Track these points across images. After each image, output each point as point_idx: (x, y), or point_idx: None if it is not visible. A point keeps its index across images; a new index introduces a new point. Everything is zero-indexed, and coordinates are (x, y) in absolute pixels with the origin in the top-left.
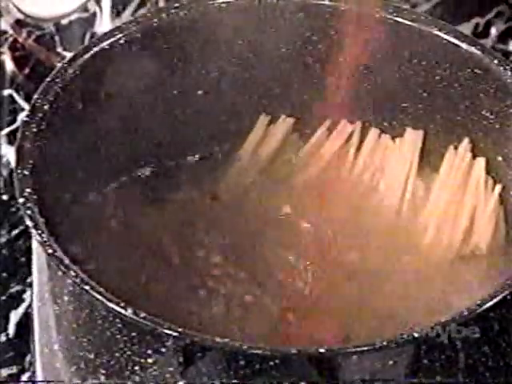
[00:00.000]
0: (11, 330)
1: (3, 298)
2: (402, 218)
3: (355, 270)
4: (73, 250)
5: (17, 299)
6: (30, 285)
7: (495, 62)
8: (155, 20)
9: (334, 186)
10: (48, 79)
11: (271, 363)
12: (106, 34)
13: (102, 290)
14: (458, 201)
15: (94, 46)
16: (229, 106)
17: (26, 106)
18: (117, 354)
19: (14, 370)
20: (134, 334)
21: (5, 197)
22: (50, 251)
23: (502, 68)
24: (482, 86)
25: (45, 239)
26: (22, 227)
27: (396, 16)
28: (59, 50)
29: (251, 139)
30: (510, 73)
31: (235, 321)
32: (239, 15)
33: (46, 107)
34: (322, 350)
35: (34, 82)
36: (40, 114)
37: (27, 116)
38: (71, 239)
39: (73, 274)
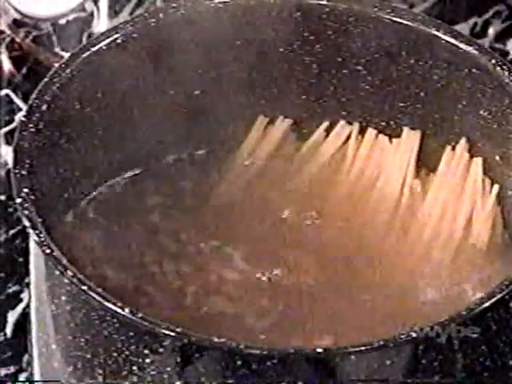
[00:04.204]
0: (9, 329)
1: (1, 297)
2: (400, 218)
3: (353, 268)
4: (70, 250)
5: (14, 299)
6: (28, 285)
7: (493, 61)
8: (153, 20)
9: (331, 186)
10: (45, 79)
11: (269, 363)
12: (103, 33)
13: (99, 289)
14: (456, 201)
15: (92, 46)
16: (227, 106)
17: (24, 106)
18: (114, 354)
19: (12, 369)
20: (131, 333)
21: (2, 197)
22: (48, 251)
23: (499, 68)
24: (479, 86)
25: (42, 239)
26: (19, 227)
27: (393, 16)
28: (57, 49)
29: (249, 140)
30: (507, 72)
31: (237, 320)
32: (237, 15)
33: (43, 107)
34: (319, 350)
35: (31, 82)
36: (37, 114)
37: (25, 116)
38: (69, 239)
39: (70, 274)
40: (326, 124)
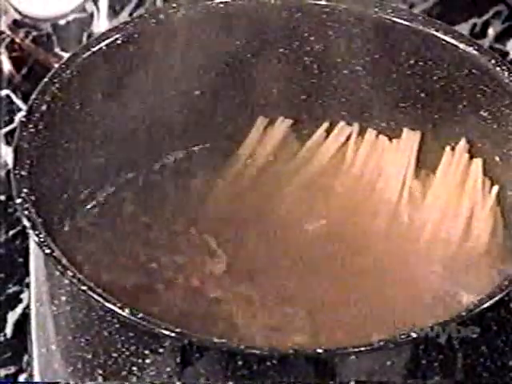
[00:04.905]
0: (9, 330)
1: (1, 298)
2: (400, 219)
3: (352, 269)
4: (70, 251)
5: (14, 300)
6: (28, 285)
7: (493, 62)
8: (153, 20)
9: (331, 187)
10: (45, 79)
11: (269, 363)
12: (103, 34)
13: (99, 290)
14: (456, 201)
15: (92, 47)
16: (226, 107)
17: (24, 107)
18: (114, 355)
19: (12, 370)
20: (131, 334)
21: (2, 197)
22: (48, 251)
23: (499, 68)
24: (479, 87)
25: (42, 239)
26: (19, 227)
27: (393, 16)
28: (57, 50)
29: (249, 141)
30: (507, 73)
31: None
32: (237, 15)
33: (43, 107)
34: (319, 351)
35: (31, 83)
36: (37, 115)
37: (25, 116)
38: (69, 239)
39: (70, 274)
40: (326, 124)
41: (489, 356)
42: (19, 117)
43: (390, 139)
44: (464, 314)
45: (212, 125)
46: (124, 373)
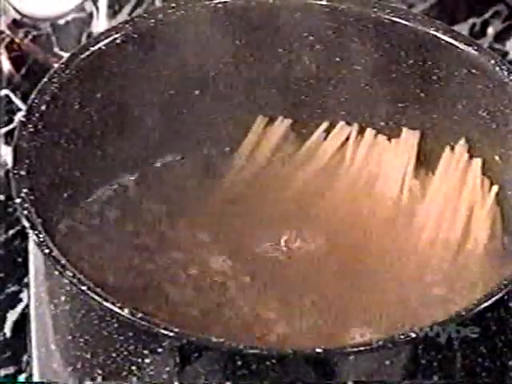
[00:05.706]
0: (8, 330)
1: (0, 298)
2: (399, 219)
3: (352, 269)
4: (69, 250)
5: (14, 299)
6: (27, 285)
7: (492, 61)
8: (152, 20)
9: (331, 186)
10: (45, 79)
11: (268, 363)
12: (102, 33)
13: (98, 290)
14: (455, 201)
15: (91, 46)
16: (226, 106)
17: (23, 106)
18: (113, 354)
19: (11, 370)
20: (130, 334)
21: (1, 197)
22: (47, 251)
23: (498, 68)
24: (478, 86)
25: (41, 239)
26: (18, 227)
27: (393, 16)
28: (56, 50)
29: (248, 140)
30: (506, 73)
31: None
32: (236, 15)
33: (42, 107)
34: (318, 350)
35: (30, 82)
36: (37, 114)
37: (24, 116)
38: (68, 239)
39: (69, 274)
40: (325, 124)
41: (488, 356)
42: (18, 117)
43: (390, 139)
44: (463, 313)
45: (212, 124)
46: (123, 372)
